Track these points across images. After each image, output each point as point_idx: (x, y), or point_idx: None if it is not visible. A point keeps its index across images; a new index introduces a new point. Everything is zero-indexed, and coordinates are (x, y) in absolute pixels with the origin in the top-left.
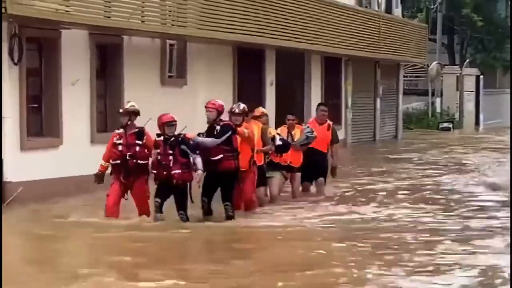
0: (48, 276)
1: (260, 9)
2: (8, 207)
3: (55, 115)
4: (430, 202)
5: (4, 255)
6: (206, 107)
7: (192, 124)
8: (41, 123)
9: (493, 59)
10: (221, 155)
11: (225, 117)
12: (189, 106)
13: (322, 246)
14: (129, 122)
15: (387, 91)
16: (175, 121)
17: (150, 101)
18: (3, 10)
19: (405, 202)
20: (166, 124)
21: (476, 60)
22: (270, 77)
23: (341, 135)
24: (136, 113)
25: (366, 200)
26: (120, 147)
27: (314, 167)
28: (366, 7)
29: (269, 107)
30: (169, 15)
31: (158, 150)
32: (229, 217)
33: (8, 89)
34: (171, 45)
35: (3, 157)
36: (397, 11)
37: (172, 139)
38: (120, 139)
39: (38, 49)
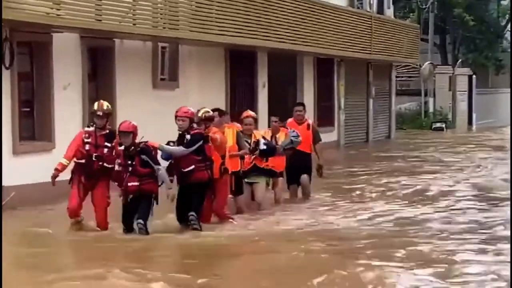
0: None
1: (252, 11)
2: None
3: (48, 119)
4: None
5: None
6: (177, 116)
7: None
8: (34, 127)
9: (485, 59)
10: (192, 166)
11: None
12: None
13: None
14: (107, 124)
15: (379, 91)
16: (131, 131)
17: (142, 104)
18: None
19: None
20: (120, 133)
21: (468, 59)
22: (262, 79)
23: (334, 136)
24: (110, 114)
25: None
26: (87, 146)
27: (299, 168)
28: (358, 8)
29: (262, 110)
30: (161, 18)
31: (119, 161)
32: (195, 229)
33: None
34: (163, 47)
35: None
36: (389, 12)
37: (132, 148)
38: (89, 137)
39: (29, 53)
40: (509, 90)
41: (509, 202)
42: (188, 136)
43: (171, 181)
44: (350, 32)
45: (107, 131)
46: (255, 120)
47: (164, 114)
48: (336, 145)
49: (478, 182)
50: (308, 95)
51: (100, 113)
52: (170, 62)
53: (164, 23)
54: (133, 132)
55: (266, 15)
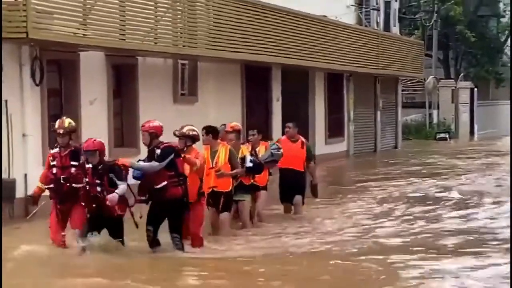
0: None
1: (266, 30)
2: (29, 221)
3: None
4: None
5: None
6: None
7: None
8: None
9: (486, 73)
10: (164, 182)
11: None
12: (200, 122)
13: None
14: (70, 142)
15: (386, 104)
16: (96, 149)
17: (163, 118)
18: (24, 35)
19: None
20: (85, 152)
21: (470, 73)
22: (276, 94)
23: (344, 146)
24: (74, 131)
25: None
26: (54, 170)
27: (292, 187)
28: (365, 25)
29: (276, 122)
30: (181, 36)
31: (86, 179)
32: (179, 250)
33: (30, 109)
34: (182, 64)
35: (26, 172)
36: (395, 29)
37: (100, 166)
38: (54, 160)
39: (58, 71)
40: (509, 102)
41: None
42: (158, 151)
43: (142, 201)
44: (358, 49)
45: (72, 148)
46: (239, 132)
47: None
48: (346, 154)
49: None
50: (319, 108)
51: (61, 131)
52: (190, 78)
53: (183, 42)
54: (99, 149)
55: (280, 33)
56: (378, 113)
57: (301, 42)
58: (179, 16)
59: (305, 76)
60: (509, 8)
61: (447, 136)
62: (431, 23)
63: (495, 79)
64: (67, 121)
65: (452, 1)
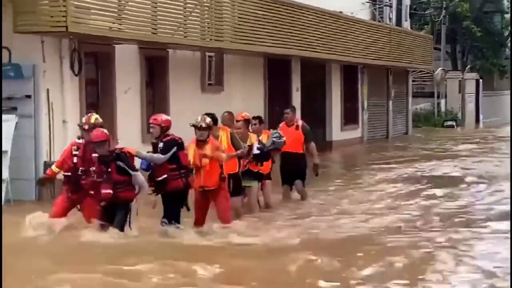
0: None
1: (287, 24)
2: None
3: (111, 119)
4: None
5: None
6: (150, 123)
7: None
8: None
9: (491, 65)
10: (164, 176)
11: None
12: (226, 109)
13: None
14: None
15: (398, 94)
16: (104, 140)
17: (192, 106)
18: (64, 29)
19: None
20: (94, 143)
21: (475, 66)
22: (296, 84)
23: (358, 133)
24: (100, 127)
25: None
26: (75, 159)
27: (291, 170)
28: (379, 21)
29: (296, 110)
30: (208, 31)
31: (94, 168)
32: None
33: (69, 97)
34: (209, 57)
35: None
36: (406, 24)
37: (108, 155)
38: (77, 150)
39: (95, 62)
40: None
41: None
42: (161, 144)
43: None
44: (372, 42)
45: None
46: (247, 121)
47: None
48: (360, 141)
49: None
50: (335, 97)
51: (86, 126)
52: (216, 69)
53: (210, 36)
54: (107, 140)
55: (299, 28)
56: (390, 102)
57: (319, 36)
58: (206, 12)
59: (323, 68)
60: None
61: (454, 123)
62: (439, 19)
63: (499, 71)
64: (94, 117)
65: None
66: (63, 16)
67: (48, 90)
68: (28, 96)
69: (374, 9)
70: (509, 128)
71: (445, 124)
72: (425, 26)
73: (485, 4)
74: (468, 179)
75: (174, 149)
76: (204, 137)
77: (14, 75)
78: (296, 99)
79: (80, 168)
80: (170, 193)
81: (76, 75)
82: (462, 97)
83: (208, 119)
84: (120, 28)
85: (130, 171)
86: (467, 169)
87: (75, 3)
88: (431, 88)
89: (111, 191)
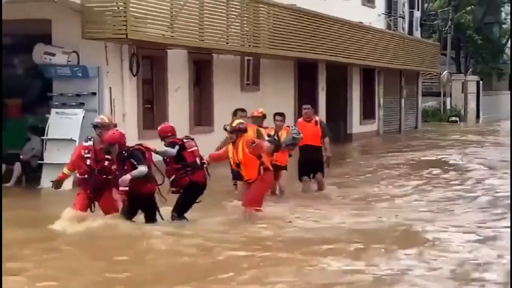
0: None
1: (314, 33)
2: None
3: (163, 113)
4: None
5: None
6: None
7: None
8: (153, 119)
9: (490, 69)
10: (173, 176)
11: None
12: (261, 106)
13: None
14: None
15: (409, 93)
16: (115, 143)
17: (232, 103)
18: (124, 36)
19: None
20: (108, 144)
21: (477, 69)
22: (321, 84)
23: (375, 127)
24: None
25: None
26: (88, 161)
27: (310, 161)
28: (393, 30)
29: (321, 107)
30: (247, 38)
31: (115, 167)
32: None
33: (128, 95)
34: (248, 60)
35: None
36: (417, 33)
37: (122, 153)
38: (88, 152)
39: (150, 65)
40: (508, 92)
41: None
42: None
43: (173, 191)
44: (387, 49)
45: (103, 144)
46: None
47: (249, 111)
48: (376, 133)
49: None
50: (355, 96)
51: (228, 128)
52: (253, 71)
53: (249, 42)
54: (118, 142)
55: (325, 36)
56: (402, 100)
57: (342, 43)
58: (245, 23)
59: (344, 71)
60: (509, 17)
61: (458, 119)
62: (446, 28)
63: (497, 74)
64: (237, 122)
65: (463, 11)
66: (124, 25)
67: (110, 88)
68: (94, 93)
69: (389, 20)
70: (505, 123)
71: (450, 119)
72: (433, 34)
73: (485, 16)
74: (463, 161)
75: (177, 147)
76: (233, 139)
77: (82, 75)
78: (322, 97)
79: (96, 169)
80: (179, 190)
81: (134, 76)
82: (465, 96)
83: (236, 122)
84: (172, 36)
85: (136, 164)
86: (466, 154)
87: (134, 14)
88: (438, 88)
89: (127, 188)
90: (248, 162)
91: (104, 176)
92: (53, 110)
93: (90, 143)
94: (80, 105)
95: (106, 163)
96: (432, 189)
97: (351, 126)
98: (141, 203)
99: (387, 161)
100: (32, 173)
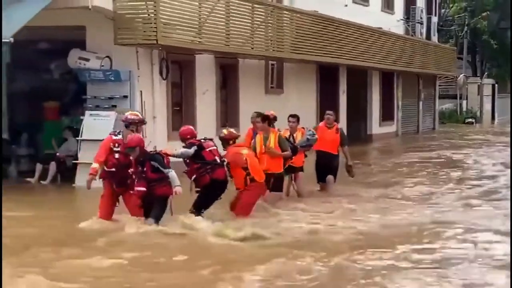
0: None
1: (336, 38)
2: None
3: (191, 115)
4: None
5: None
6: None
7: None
8: (182, 121)
9: (505, 72)
10: (194, 176)
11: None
12: (285, 108)
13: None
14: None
15: (427, 96)
16: (136, 146)
17: (257, 105)
18: (154, 42)
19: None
20: (127, 148)
21: (492, 73)
22: (342, 87)
23: (394, 128)
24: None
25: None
26: (117, 155)
27: (326, 168)
28: (411, 35)
29: (341, 109)
30: (271, 43)
31: (132, 168)
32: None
33: (158, 97)
34: (272, 64)
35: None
36: (434, 38)
37: (142, 158)
38: (118, 146)
39: (179, 69)
40: None
41: None
42: (183, 149)
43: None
44: (406, 53)
45: None
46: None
47: (273, 112)
48: (395, 134)
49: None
50: (375, 98)
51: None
52: (277, 75)
53: (273, 47)
54: (138, 145)
55: (346, 41)
56: (420, 102)
57: (362, 47)
58: (270, 28)
59: (365, 74)
60: None
61: (473, 120)
62: (462, 34)
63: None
64: (130, 112)
65: (479, 17)
66: (154, 32)
67: (141, 91)
68: (125, 96)
69: (408, 25)
70: None
71: (466, 121)
72: (450, 39)
73: (500, 21)
74: (477, 158)
75: (195, 147)
76: (224, 146)
77: (114, 79)
78: (343, 100)
79: (124, 163)
80: (201, 188)
81: (164, 79)
82: (480, 99)
83: (223, 132)
84: (200, 41)
85: (163, 169)
86: (481, 154)
87: (164, 21)
88: (455, 91)
89: (144, 188)
90: (233, 172)
91: (130, 170)
92: (87, 112)
93: (120, 136)
94: (113, 107)
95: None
96: (458, 186)
97: (371, 127)
98: (153, 203)
99: (411, 159)
100: (67, 172)
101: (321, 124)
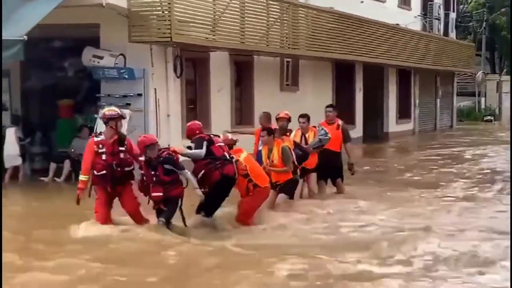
0: None
1: (351, 35)
2: None
3: (206, 113)
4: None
5: None
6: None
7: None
8: (196, 118)
9: None
10: (202, 172)
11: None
12: (300, 106)
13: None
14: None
15: (444, 93)
16: (155, 143)
17: (272, 103)
18: (169, 39)
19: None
20: (147, 147)
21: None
22: (358, 85)
23: (411, 126)
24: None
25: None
26: (104, 156)
27: (328, 166)
28: (429, 31)
29: (358, 107)
30: (286, 40)
31: (142, 171)
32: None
33: (173, 95)
34: (287, 61)
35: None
36: (452, 34)
37: (153, 159)
38: (102, 147)
39: (193, 66)
40: None
41: None
42: (192, 145)
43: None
44: (423, 50)
45: (116, 136)
46: (289, 120)
47: (288, 110)
48: (412, 132)
49: None
50: (392, 96)
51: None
52: (293, 72)
53: (288, 44)
54: (155, 143)
55: (362, 37)
56: (438, 100)
57: (378, 44)
58: (285, 25)
59: (381, 71)
60: None
61: (492, 118)
62: (481, 30)
63: None
64: (116, 109)
65: (498, 13)
66: (168, 29)
67: (155, 89)
68: (140, 94)
69: (425, 21)
70: None
71: (484, 118)
72: (468, 36)
73: None
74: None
75: (205, 143)
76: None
77: (128, 77)
78: (359, 97)
79: (114, 163)
80: (210, 186)
81: (178, 77)
82: (499, 96)
83: (227, 135)
84: (214, 39)
85: (178, 171)
86: (498, 153)
87: (178, 18)
88: (473, 88)
89: (161, 194)
90: (238, 181)
91: (121, 169)
92: (101, 111)
93: (102, 137)
94: (127, 105)
95: (122, 155)
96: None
97: (387, 125)
98: (167, 204)
99: (430, 155)
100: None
101: (322, 121)
